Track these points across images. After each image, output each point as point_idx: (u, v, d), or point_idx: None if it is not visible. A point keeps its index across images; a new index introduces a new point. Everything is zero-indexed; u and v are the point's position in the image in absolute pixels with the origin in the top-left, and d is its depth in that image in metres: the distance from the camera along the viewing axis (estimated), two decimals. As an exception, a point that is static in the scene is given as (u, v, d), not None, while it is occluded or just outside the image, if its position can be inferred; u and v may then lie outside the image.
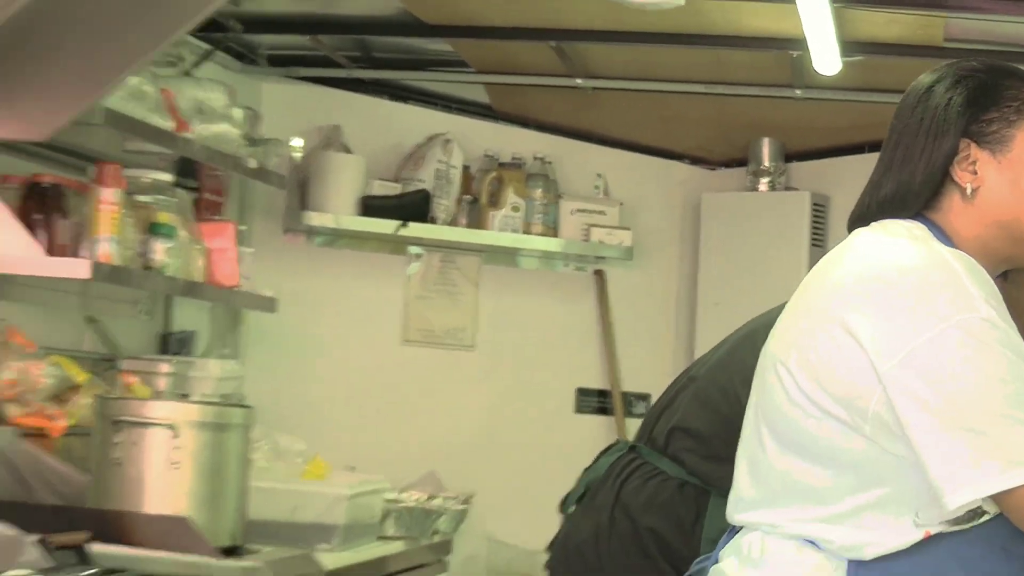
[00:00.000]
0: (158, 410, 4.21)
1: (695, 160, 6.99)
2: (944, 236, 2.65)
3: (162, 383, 5.14)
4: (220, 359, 5.88)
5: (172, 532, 3.82)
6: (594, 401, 6.95)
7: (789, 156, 6.79)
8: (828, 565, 2.55)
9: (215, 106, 5.49)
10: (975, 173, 2.65)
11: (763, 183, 6.77)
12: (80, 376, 4.89)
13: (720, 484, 3.58)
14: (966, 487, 2.39)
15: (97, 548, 3.58)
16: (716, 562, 2.77)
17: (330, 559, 4.60)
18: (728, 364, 3.83)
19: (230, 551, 4.07)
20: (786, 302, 3.45)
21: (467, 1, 5.57)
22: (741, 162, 6.86)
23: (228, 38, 6.06)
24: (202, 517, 4.01)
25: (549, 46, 5.96)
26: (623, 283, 6.94)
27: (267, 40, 6.31)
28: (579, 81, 6.33)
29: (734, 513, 2.77)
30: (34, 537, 3.41)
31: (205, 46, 5.90)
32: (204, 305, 6.07)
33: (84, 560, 3.49)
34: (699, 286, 6.77)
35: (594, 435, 6.62)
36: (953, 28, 5.28)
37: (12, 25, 4.19)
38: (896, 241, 2.61)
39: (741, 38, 5.60)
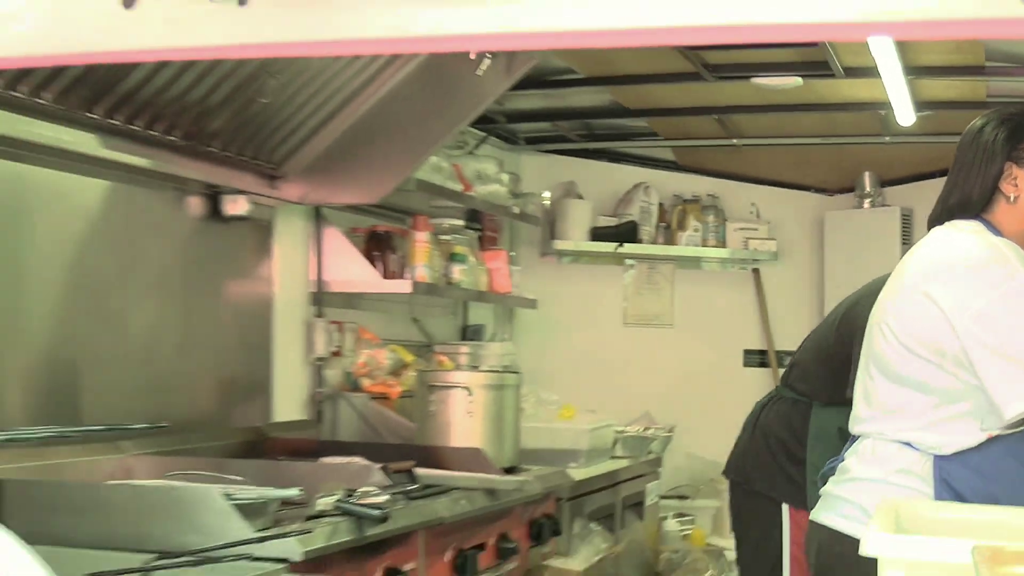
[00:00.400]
0: (459, 378, 4.25)
1: (818, 189, 6.84)
2: (995, 230, 2.65)
3: (462, 359, 5.16)
4: (500, 342, 5.91)
5: (470, 458, 3.83)
6: (756, 358, 6.83)
7: (883, 183, 6.60)
8: (920, 459, 2.61)
9: (489, 173, 5.53)
10: (1016, 186, 2.66)
11: (866, 203, 6.61)
12: (408, 357, 4.94)
13: (815, 396, 3.80)
14: (1018, 402, 2.48)
15: (420, 471, 3.60)
16: (842, 460, 2.80)
17: (577, 473, 4.58)
18: (823, 324, 3.99)
19: (509, 470, 4.08)
20: (860, 288, 3.71)
21: (655, 92, 5.52)
22: (850, 189, 6.69)
23: (497, 127, 6.08)
24: (489, 448, 4.03)
25: (713, 119, 5.89)
26: (772, 276, 6.81)
27: (523, 127, 6.32)
28: (734, 141, 6.23)
29: (853, 426, 2.81)
30: (379, 465, 3.43)
31: (481, 133, 5.93)
32: (488, 306, 6.09)
33: (412, 480, 3.51)
34: (825, 275, 6.62)
35: (756, 382, 6.51)
36: (993, 88, 5.12)
37: (354, 128, 4.25)
38: (962, 235, 2.65)
39: (844, 104, 5.48)
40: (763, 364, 6.79)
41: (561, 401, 5.29)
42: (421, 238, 4.76)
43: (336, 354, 4.67)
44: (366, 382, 4.71)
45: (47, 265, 3.43)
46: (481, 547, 3.58)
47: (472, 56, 4.10)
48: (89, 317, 3.56)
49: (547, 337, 6.48)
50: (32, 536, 2.68)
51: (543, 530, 4.04)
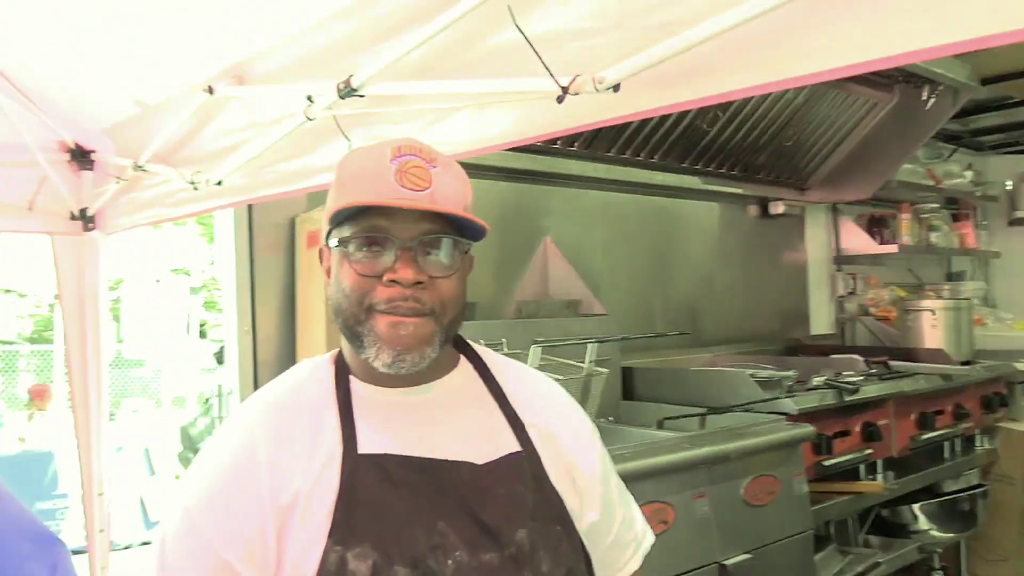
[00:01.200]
0: (924, 304, 3.77)
1: None
2: None
3: (944, 293, 4.57)
4: (974, 281, 5.16)
5: (934, 355, 3.41)
6: None
7: None
8: None
9: (955, 172, 4.86)
10: None
11: None
12: (901, 293, 4.47)
13: None
14: None
15: (893, 363, 3.28)
16: None
17: (1022, 365, 3.87)
18: None
19: (965, 363, 3.56)
20: None
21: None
22: None
23: (963, 142, 5.29)
24: (949, 349, 3.55)
25: None
26: None
27: (986, 139, 5.42)
28: None
29: None
30: (860, 358, 3.17)
31: (951, 147, 5.19)
32: (966, 258, 5.30)
33: (886, 368, 3.21)
34: None
35: None
36: None
37: (850, 153, 3.93)
38: None
39: None
40: None
41: (1016, 318, 4.52)
42: (904, 218, 4.32)
43: (851, 293, 4.36)
44: (873, 310, 4.35)
45: (673, 245, 3.56)
46: (940, 412, 3.19)
47: (924, 97, 3.64)
48: (700, 276, 3.66)
49: (1011, 277, 5.54)
50: (648, 397, 2.82)
51: (993, 402, 3.51)
